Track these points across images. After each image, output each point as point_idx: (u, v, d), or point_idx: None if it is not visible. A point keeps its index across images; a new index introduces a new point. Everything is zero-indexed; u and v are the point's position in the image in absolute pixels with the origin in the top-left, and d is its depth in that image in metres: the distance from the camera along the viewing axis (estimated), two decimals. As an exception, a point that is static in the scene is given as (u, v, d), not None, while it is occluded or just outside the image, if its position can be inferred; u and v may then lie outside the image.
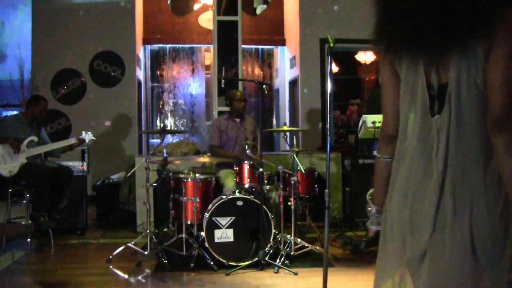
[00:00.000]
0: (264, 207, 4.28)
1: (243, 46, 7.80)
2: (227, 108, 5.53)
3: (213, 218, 4.32)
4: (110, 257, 4.55)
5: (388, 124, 1.69)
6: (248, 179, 4.62)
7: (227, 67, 7.48)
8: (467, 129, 1.46)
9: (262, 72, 10.57)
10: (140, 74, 9.19)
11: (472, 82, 1.44)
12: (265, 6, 9.29)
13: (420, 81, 1.52)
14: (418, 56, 1.51)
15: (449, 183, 1.47)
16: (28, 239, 4.93)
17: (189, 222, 4.56)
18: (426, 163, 1.51)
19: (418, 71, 1.53)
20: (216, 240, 4.29)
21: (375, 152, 1.80)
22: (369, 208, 1.80)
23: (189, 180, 4.56)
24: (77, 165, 5.73)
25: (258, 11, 9.28)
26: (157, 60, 10.25)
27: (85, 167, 5.77)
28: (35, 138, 5.19)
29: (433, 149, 1.49)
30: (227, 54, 7.54)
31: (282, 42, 9.67)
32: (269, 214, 4.33)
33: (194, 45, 9.98)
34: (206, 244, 4.27)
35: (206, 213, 4.38)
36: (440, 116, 1.49)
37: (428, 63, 1.50)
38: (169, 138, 8.91)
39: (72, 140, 5.29)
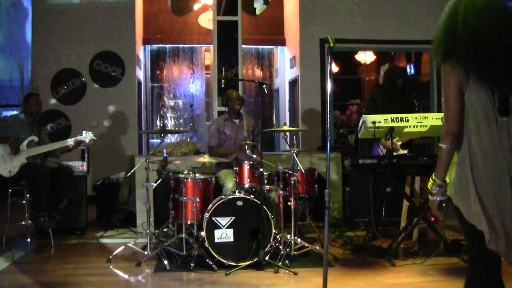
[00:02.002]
0: (264, 207, 4.28)
1: (243, 46, 7.81)
2: (226, 108, 5.54)
3: (213, 218, 4.32)
4: (110, 257, 4.55)
5: (454, 122, 2.11)
6: (248, 179, 4.62)
7: (227, 67, 7.48)
8: None
9: (262, 72, 10.57)
10: (140, 74, 9.19)
11: None
12: (265, 6, 9.30)
13: (489, 93, 2.07)
14: (490, 80, 2.06)
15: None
16: (28, 239, 4.93)
17: (189, 222, 4.56)
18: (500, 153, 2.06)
19: (485, 87, 2.07)
20: (216, 240, 4.29)
21: (440, 144, 2.16)
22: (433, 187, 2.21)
23: (189, 180, 4.56)
24: (77, 165, 5.73)
25: (258, 11, 9.29)
26: (157, 60, 10.25)
27: (85, 167, 5.77)
28: (35, 138, 5.19)
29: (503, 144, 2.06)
30: (227, 54, 7.55)
31: (282, 42, 9.67)
32: (269, 214, 4.33)
33: (194, 45, 9.98)
34: (206, 244, 4.27)
35: (206, 213, 4.38)
36: (508, 118, 2.07)
37: (497, 85, 2.07)
38: (169, 138, 8.91)
39: (70, 141, 5.28)
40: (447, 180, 2.19)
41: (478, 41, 2.04)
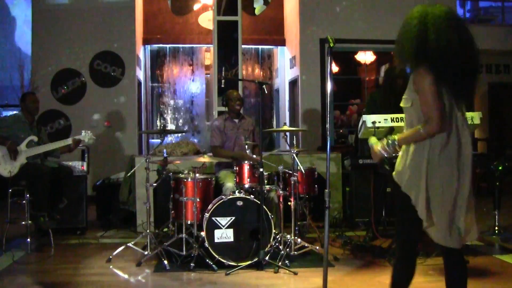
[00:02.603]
0: (264, 207, 4.28)
1: (243, 46, 7.81)
2: (226, 108, 5.54)
3: (213, 218, 4.32)
4: (110, 257, 4.55)
5: (442, 121, 2.38)
6: (248, 179, 4.62)
7: (227, 67, 7.48)
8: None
9: (262, 72, 10.57)
10: (140, 74, 9.19)
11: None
12: (265, 6, 9.30)
13: (453, 104, 2.45)
14: (452, 89, 2.44)
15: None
16: (28, 239, 4.93)
17: (189, 222, 4.56)
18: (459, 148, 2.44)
19: (448, 94, 2.43)
20: (216, 240, 4.29)
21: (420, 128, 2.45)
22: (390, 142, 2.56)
23: (189, 180, 4.56)
24: (77, 165, 5.73)
25: (258, 11, 9.29)
26: (157, 60, 10.25)
27: (85, 167, 5.77)
28: (35, 138, 5.19)
29: (462, 144, 2.45)
30: (227, 54, 7.55)
31: (282, 42, 9.67)
32: (269, 214, 4.33)
33: (194, 45, 9.98)
34: (206, 244, 4.27)
35: (206, 213, 4.38)
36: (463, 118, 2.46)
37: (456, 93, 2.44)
38: (169, 138, 8.92)
39: (69, 140, 5.28)
40: (401, 163, 2.51)
41: (447, 57, 2.38)
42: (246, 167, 4.63)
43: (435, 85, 2.37)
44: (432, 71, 2.37)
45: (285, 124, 5.02)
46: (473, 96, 2.53)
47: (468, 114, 4.50)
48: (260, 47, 10.36)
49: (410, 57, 2.45)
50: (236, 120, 5.34)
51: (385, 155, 2.56)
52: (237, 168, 4.68)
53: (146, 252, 4.52)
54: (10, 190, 4.97)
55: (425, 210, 2.42)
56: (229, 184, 4.79)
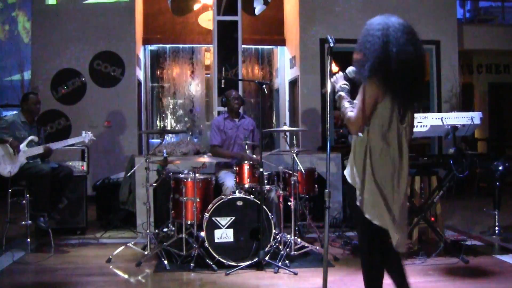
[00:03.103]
0: (264, 207, 4.28)
1: (243, 46, 7.81)
2: (225, 108, 5.54)
3: (213, 218, 4.32)
4: (110, 257, 4.55)
5: (361, 122, 2.65)
6: (248, 179, 4.62)
7: (227, 67, 7.48)
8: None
9: (262, 72, 10.57)
10: (140, 74, 9.19)
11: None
12: (265, 6, 9.29)
13: (395, 110, 2.66)
14: (400, 99, 2.66)
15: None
16: (28, 239, 4.93)
17: (189, 222, 4.56)
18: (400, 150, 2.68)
19: (394, 103, 2.65)
20: (216, 240, 4.29)
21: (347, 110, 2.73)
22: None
23: (189, 180, 4.56)
24: (77, 165, 5.73)
25: (258, 11, 9.29)
26: (157, 60, 10.24)
27: (85, 167, 5.77)
28: (35, 138, 5.19)
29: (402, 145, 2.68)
30: (227, 54, 7.54)
31: (282, 42, 9.67)
32: (269, 214, 4.33)
33: (194, 45, 9.98)
34: (206, 244, 4.27)
35: (206, 213, 4.38)
36: (404, 126, 2.69)
37: (404, 103, 2.67)
38: (169, 138, 8.91)
39: (70, 141, 5.28)
40: (351, 166, 2.77)
41: (404, 70, 2.58)
42: (246, 167, 4.63)
43: (376, 98, 2.62)
44: (385, 83, 2.59)
45: (285, 124, 5.02)
46: (420, 105, 2.90)
47: (468, 114, 4.52)
48: (260, 47, 10.35)
49: (370, 67, 2.59)
50: (236, 120, 5.34)
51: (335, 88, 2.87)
52: (237, 168, 4.68)
53: (146, 252, 4.52)
54: (10, 190, 4.97)
55: (363, 205, 2.68)
56: (229, 183, 4.79)
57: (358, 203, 2.70)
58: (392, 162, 2.66)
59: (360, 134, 2.70)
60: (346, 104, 2.75)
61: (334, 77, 2.91)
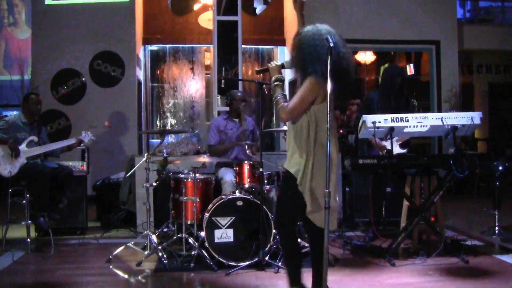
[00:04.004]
0: (264, 207, 4.28)
1: (243, 46, 7.80)
2: (227, 108, 5.54)
3: (213, 218, 4.32)
4: (110, 257, 4.55)
5: (295, 116, 3.00)
6: (248, 179, 4.62)
7: (227, 67, 7.48)
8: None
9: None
10: (140, 74, 9.19)
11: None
12: (265, 6, 9.29)
13: (331, 107, 2.88)
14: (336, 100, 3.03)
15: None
16: (28, 239, 4.93)
17: (189, 222, 4.56)
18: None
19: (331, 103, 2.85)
20: (216, 240, 4.29)
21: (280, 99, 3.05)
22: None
23: (189, 180, 4.56)
24: (77, 165, 5.73)
25: (258, 11, 9.28)
26: (157, 60, 10.24)
27: (85, 167, 5.77)
28: (35, 138, 5.19)
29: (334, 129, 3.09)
30: (227, 54, 7.54)
31: (282, 42, 9.67)
32: (269, 214, 4.33)
33: (194, 45, 9.97)
34: (206, 244, 4.27)
35: (206, 213, 4.38)
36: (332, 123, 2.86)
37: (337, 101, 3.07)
38: (170, 138, 8.90)
39: (72, 141, 5.29)
40: (297, 164, 3.03)
41: (342, 73, 2.91)
42: (246, 167, 4.64)
43: (317, 95, 2.92)
44: (323, 78, 2.85)
45: (285, 124, 5.02)
46: (346, 97, 3.11)
47: (468, 114, 4.52)
48: (260, 47, 10.35)
49: (310, 67, 2.90)
50: (237, 120, 5.34)
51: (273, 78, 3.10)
52: (237, 168, 4.68)
53: (146, 252, 4.52)
54: (10, 190, 4.97)
55: (310, 197, 2.98)
56: (228, 178, 4.78)
57: (300, 189, 2.99)
58: (325, 154, 2.89)
59: (290, 123, 3.05)
60: (279, 94, 3.03)
61: (273, 63, 3.15)
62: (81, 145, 5.41)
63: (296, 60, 3.02)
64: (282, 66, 3.14)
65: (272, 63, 3.16)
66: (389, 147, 4.53)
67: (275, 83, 3.07)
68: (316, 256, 3.20)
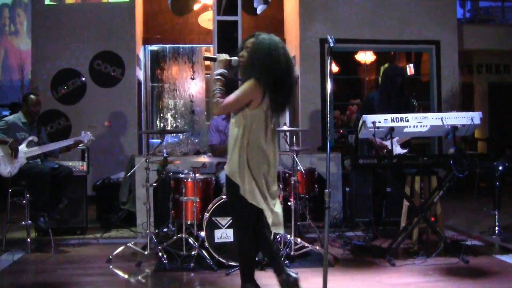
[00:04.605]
0: (264, 207, 4.27)
1: (243, 46, 7.79)
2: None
3: (213, 218, 4.32)
4: (110, 257, 4.55)
5: (225, 111, 3.25)
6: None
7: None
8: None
9: (262, 72, 10.55)
10: (140, 74, 9.19)
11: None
12: (265, 6, 9.28)
13: (269, 111, 3.10)
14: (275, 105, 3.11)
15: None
16: (28, 239, 4.93)
17: (189, 222, 4.56)
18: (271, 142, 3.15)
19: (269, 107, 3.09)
20: (216, 240, 4.29)
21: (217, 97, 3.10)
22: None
23: (189, 180, 4.56)
24: (77, 165, 5.73)
25: (258, 11, 9.28)
26: (157, 60, 10.24)
27: (85, 167, 5.77)
28: (35, 138, 5.19)
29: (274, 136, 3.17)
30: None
31: (282, 42, 9.66)
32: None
33: (194, 45, 9.97)
34: (206, 244, 4.27)
35: (206, 213, 4.38)
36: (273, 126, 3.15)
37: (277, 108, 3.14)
38: (169, 138, 8.91)
39: (69, 141, 5.27)
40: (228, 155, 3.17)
41: (284, 80, 3.05)
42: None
43: (253, 98, 3.02)
44: (263, 85, 3.01)
45: (285, 124, 5.02)
46: (286, 109, 3.23)
47: (468, 114, 4.52)
48: (260, 47, 10.33)
49: (257, 71, 3.01)
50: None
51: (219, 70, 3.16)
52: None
53: (146, 252, 4.52)
54: (10, 190, 4.97)
55: (249, 194, 3.07)
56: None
57: (241, 192, 3.08)
58: (265, 156, 3.09)
59: (233, 128, 3.15)
60: (218, 88, 3.10)
61: (222, 56, 3.19)
62: (81, 145, 5.41)
63: (246, 62, 3.10)
64: (229, 62, 3.18)
65: (221, 55, 3.20)
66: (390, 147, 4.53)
67: (218, 77, 3.12)
68: (268, 251, 3.35)
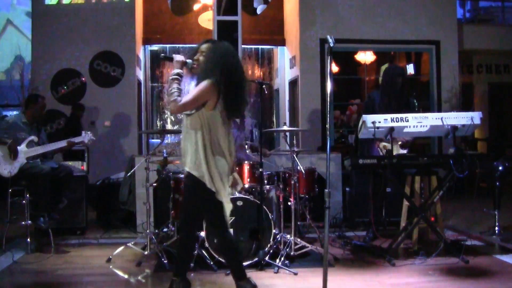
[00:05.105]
0: (264, 207, 4.28)
1: (243, 46, 7.80)
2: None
3: (213, 218, 4.31)
4: (110, 257, 4.55)
5: (183, 110, 3.20)
6: (248, 179, 4.62)
7: (161, 57, 7.47)
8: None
9: (262, 72, 10.57)
10: (140, 74, 9.19)
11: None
12: (265, 6, 9.29)
13: (223, 114, 3.24)
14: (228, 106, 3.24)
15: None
16: (28, 239, 4.93)
17: (189, 222, 4.55)
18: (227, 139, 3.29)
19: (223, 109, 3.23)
20: (216, 240, 4.29)
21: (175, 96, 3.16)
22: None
23: (189, 180, 4.55)
24: (77, 165, 5.72)
25: (258, 11, 9.29)
26: (157, 60, 10.24)
27: (85, 167, 5.77)
28: (35, 138, 5.19)
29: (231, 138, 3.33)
30: (227, 54, 7.52)
31: (282, 42, 9.67)
32: (269, 214, 4.33)
33: (194, 45, 9.95)
34: (206, 244, 4.27)
35: (206, 213, 4.37)
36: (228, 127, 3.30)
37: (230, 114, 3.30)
38: (169, 138, 8.91)
39: (63, 143, 5.25)
40: (188, 159, 3.25)
41: (236, 87, 3.22)
42: (246, 167, 4.63)
43: (209, 99, 3.14)
44: (219, 86, 3.15)
45: (285, 124, 5.02)
46: (240, 112, 3.40)
47: (468, 114, 4.52)
48: (260, 47, 10.36)
49: (214, 74, 3.14)
50: (238, 120, 5.33)
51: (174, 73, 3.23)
52: (237, 168, 4.67)
53: (146, 252, 4.52)
54: (10, 190, 4.97)
55: (219, 192, 3.19)
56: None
57: (213, 189, 3.18)
58: (222, 156, 3.23)
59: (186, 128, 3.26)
60: (175, 87, 3.16)
61: (178, 57, 3.26)
62: (81, 145, 5.40)
63: (203, 65, 3.24)
64: (185, 63, 3.27)
65: (177, 56, 3.29)
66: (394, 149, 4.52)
67: (175, 76, 3.20)
68: (229, 253, 3.45)
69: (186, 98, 3.12)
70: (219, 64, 3.20)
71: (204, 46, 3.32)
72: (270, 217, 4.32)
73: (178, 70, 3.22)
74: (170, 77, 3.18)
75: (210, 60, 3.22)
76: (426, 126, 4.50)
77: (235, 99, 3.26)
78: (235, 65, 3.28)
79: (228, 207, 3.28)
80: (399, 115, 4.47)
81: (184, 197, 3.37)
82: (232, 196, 4.39)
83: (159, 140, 4.87)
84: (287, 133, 4.99)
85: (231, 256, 3.45)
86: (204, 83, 3.15)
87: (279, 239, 4.48)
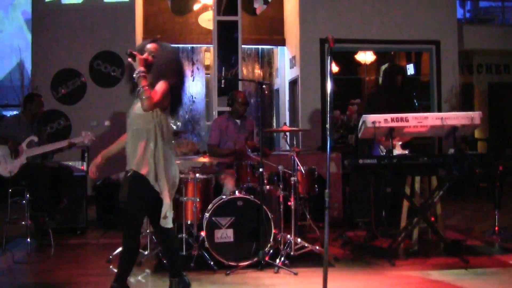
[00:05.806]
0: (264, 207, 4.28)
1: (243, 46, 7.81)
2: (227, 108, 5.52)
3: (213, 218, 4.32)
4: (110, 257, 4.55)
5: (153, 107, 3.14)
6: (248, 179, 4.61)
7: (227, 67, 7.48)
8: None
9: (262, 72, 10.57)
10: (140, 74, 9.16)
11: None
12: (265, 6, 9.29)
13: (167, 112, 3.33)
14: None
15: None
16: (28, 239, 4.93)
17: (189, 222, 4.56)
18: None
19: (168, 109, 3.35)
20: (216, 240, 4.29)
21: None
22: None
23: (189, 180, 4.56)
24: (77, 165, 5.72)
25: (258, 11, 9.29)
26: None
27: (85, 167, 5.77)
28: (35, 138, 5.19)
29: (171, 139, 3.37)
30: (227, 54, 7.54)
31: (282, 42, 9.67)
32: (269, 214, 4.33)
33: (194, 45, 9.98)
34: (206, 244, 4.27)
35: (206, 213, 4.38)
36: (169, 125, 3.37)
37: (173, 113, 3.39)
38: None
39: (63, 143, 5.25)
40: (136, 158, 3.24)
41: (182, 87, 3.36)
42: (246, 167, 4.63)
43: (168, 96, 3.19)
44: (172, 87, 3.23)
45: (285, 124, 5.02)
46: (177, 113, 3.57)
47: (468, 114, 4.52)
48: (260, 47, 10.35)
49: (167, 74, 3.22)
50: (238, 121, 5.33)
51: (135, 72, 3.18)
52: (237, 168, 4.68)
53: (146, 252, 4.52)
54: (10, 190, 4.97)
55: (158, 187, 3.18)
56: (229, 185, 4.78)
57: (157, 189, 3.18)
58: (171, 156, 3.28)
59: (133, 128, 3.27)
60: (146, 85, 3.12)
61: (142, 57, 3.23)
62: (81, 145, 5.40)
63: (155, 65, 3.24)
64: (146, 61, 3.27)
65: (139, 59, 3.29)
66: (396, 149, 4.52)
67: (143, 74, 3.17)
68: (168, 252, 3.45)
69: (157, 95, 3.13)
70: (172, 64, 3.29)
71: (151, 46, 3.33)
72: (270, 217, 4.32)
73: (142, 68, 3.20)
74: (139, 75, 3.15)
75: (161, 60, 3.27)
76: (426, 126, 4.50)
77: (180, 101, 3.38)
78: (182, 65, 3.43)
79: (166, 205, 3.23)
80: (399, 115, 4.47)
81: (128, 197, 3.21)
82: (232, 196, 4.41)
83: (159, 140, 4.86)
84: (287, 133, 4.99)
85: (167, 252, 3.45)
86: (165, 83, 3.18)
87: (279, 239, 4.49)
